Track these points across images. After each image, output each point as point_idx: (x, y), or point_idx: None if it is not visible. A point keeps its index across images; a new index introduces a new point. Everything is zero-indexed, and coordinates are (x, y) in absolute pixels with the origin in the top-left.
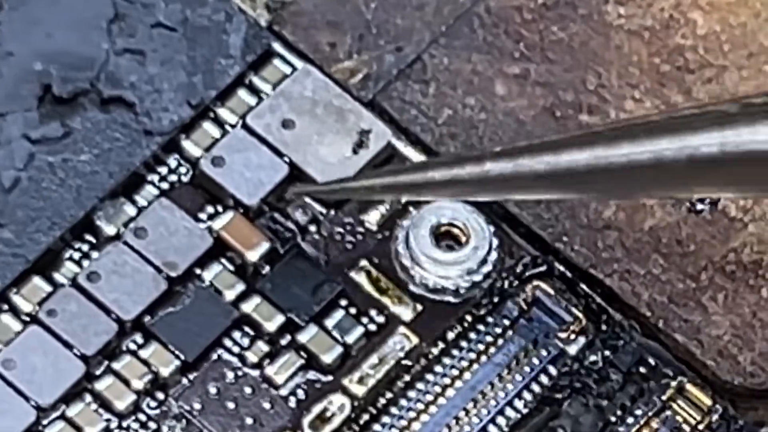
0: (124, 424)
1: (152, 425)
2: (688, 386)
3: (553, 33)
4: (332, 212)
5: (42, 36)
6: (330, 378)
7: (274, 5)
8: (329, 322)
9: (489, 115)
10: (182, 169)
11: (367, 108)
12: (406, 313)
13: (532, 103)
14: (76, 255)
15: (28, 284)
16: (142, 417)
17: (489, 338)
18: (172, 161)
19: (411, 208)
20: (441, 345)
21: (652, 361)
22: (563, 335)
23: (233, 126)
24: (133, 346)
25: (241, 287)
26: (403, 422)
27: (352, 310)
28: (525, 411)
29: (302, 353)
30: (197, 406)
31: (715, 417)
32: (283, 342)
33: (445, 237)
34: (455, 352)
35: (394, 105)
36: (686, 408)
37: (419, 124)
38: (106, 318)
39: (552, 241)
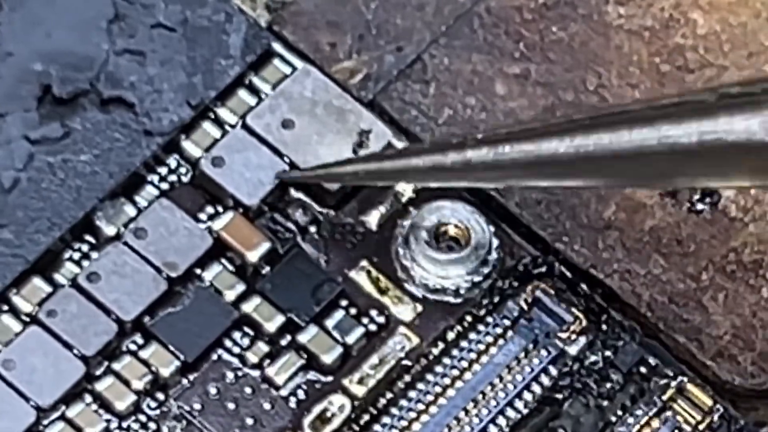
0: (124, 424)
1: (152, 426)
2: (689, 386)
3: (554, 33)
4: (332, 212)
5: (42, 36)
6: (330, 378)
7: (274, 5)
8: (329, 323)
9: (489, 115)
10: (182, 170)
11: (367, 108)
12: (406, 313)
13: (532, 103)
14: (76, 255)
15: (28, 285)
16: (142, 417)
17: (489, 338)
18: (172, 161)
19: (411, 209)
20: (441, 345)
21: (652, 361)
22: (564, 335)
23: (233, 126)
24: (133, 347)
25: (241, 287)
26: (404, 422)
27: (353, 311)
28: (525, 411)
29: (302, 353)
30: (197, 406)
31: (715, 417)
32: (284, 342)
33: (445, 237)
34: (455, 352)
35: (394, 105)
36: (687, 408)
37: (419, 124)
38: (106, 318)
39: (552, 242)
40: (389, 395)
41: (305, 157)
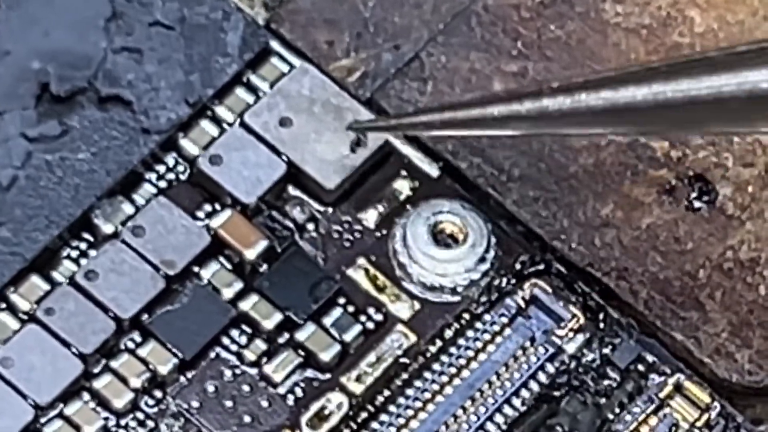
0: (122, 422)
1: (150, 423)
2: (686, 384)
3: (551, 31)
4: (330, 210)
5: (39, 35)
6: (328, 376)
7: (271, 3)
8: (327, 320)
9: None
10: (180, 168)
11: (365, 106)
12: (403, 311)
13: None
14: (74, 253)
15: (26, 283)
16: (140, 415)
17: (487, 336)
18: (170, 159)
19: (409, 207)
20: (439, 343)
21: (649, 358)
22: (561, 333)
23: (231, 124)
24: (131, 345)
25: (239, 285)
26: (402, 420)
27: (350, 308)
28: (523, 409)
29: (300, 351)
30: (195, 404)
31: (712, 414)
32: (281, 340)
33: (443, 235)
34: (453, 350)
35: (392, 103)
36: (684, 405)
37: None
38: (104, 316)
39: (550, 239)
40: (387, 393)
41: (303, 155)
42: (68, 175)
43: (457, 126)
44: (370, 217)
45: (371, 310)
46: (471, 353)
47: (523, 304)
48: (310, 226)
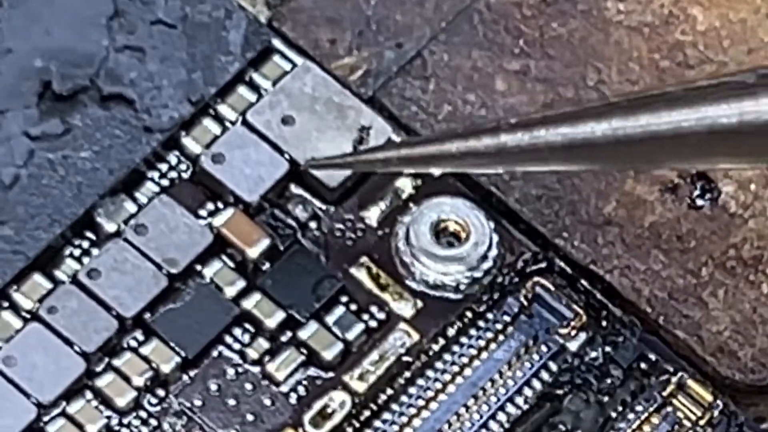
0: (125, 420)
1: (153, 422)
2: (689, 382)
3: (553, 29)
4: (332, 209)
5: (42, 33)
6: (331, 374)
7: (273, 2)
8: (330, 319)
9: (489, 111)
10: (182, 166)
11: (367, 104)
12: (406, 309)
13: (532, 99)
14: (77, 252)
15: (29, 281)
16: (143, 414)
17: (489, 334)
18: (173, 158)
19: (411, 205)
20: (441, 341)
21: (652, 356)
22: (564, 331)
23: (233, 123)
24: (133, 343)
25: (241, 284)
26: (404, 419)
27: (353, 307)
28: (525, 407)
29: (303, 350)
30: (198, 402)
31: (715, 413)
32: (284, 338)
33: (446, 233)
34: (456, 348)
35: (394, 101)
36: (687, 404)
37: (419, 120)
38: (107, 315)
39: (552, 237)
40: (390, 391)
41: (305, 153)
42: (71, 174)
43: (415, 163)
44: (373, 215)
45: (374, 309)
46: (473, 351)
47: (525, 303)
48: (313, 225)
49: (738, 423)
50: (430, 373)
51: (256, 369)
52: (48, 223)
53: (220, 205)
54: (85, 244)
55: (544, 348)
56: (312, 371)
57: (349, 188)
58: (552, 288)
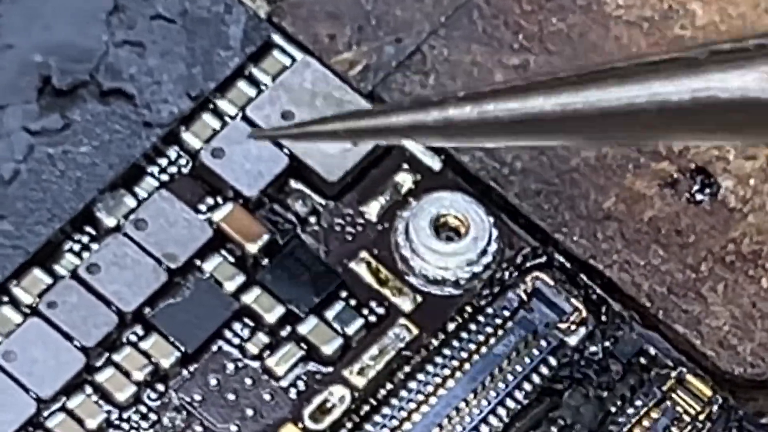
0: (125, 415)
1: (153, 417)
2: (688, 377)
3: (552, 24)
4: (332, 203)
5: (41, 28)
6: (330, 369)
7: None
8: (329, 314)
9: None
10: (182, 161)
11: (367, 99)
12: (406, 304)
13: None
14: (76, 247)
15: (28, 276)
16: (143, 408)
17: (489, 329)
18: (172, 153)
19: (411, 200)
20: (441, 336)
21: (652, 351)
22: (563, 326)
23: (233, 117)
24: (133, 338)
25: (241, 279)
26: (404, 413)
27: (352, 302)
28: (525, 402)
29: (302, 345)
30: (198, 397)
31: (715, 407)
32: (284, 333)
33: (445, 228)
34: (455, 343)
35: (393, 96)
36: (686, 398)
37: None
38: (107, 310)
39: (552, 232)
40: (389, 386)
41: (305, 148)
42: (70, 169)
43: (362, 135)
44: (373, 210)
45: (373, 304)
46: (473, 346)
47: (525, 297)
48: (312, 220)
49: (737, 418)
50: (429, 367)
51: (255, 364)
52: (48, 218)
53: (219, 200)
54: (85, 239)
55: (543, 343)
56: (312, 366)
57: (349, 183)
58: (551, 283)
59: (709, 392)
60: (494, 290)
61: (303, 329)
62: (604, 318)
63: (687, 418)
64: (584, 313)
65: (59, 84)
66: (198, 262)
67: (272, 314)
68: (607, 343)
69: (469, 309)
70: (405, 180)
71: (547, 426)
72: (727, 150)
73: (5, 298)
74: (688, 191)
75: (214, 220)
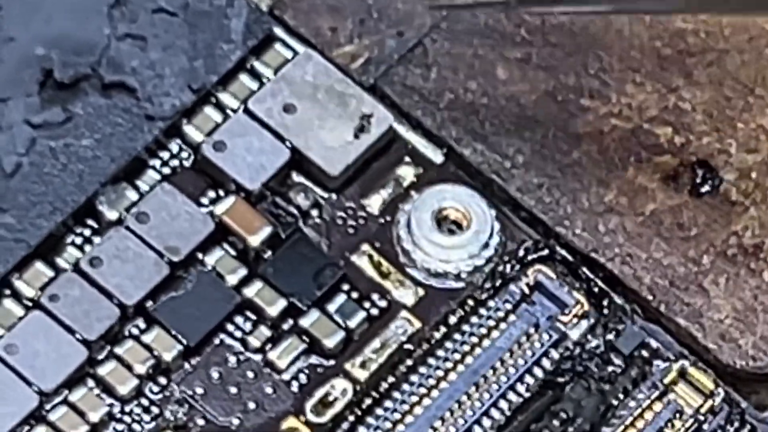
0: (127, 408)
1: (155, 410)
2: (690, 370)
3: (554, 17)
4: (334, 196)
5: (43, 21)
6: (332, 362)
7: None
8: (331, 307)
9: (490, 99)
10: (184, 154)
11: (369, 92)
12: (408, 297)
13: (533, 87)
14: (78, 240)
15: (30, 269)
16: (145, 401)
17: (491, 322)
18: (174, 146)
19: (413, 192)
20: (443, 329)
21: (654, 344)
22: (565, 319)
23: (235, 111)
24: (135, 331)
25: (243, 272)
26: (405, 406)
27: (354, 295)
28: (527, 395)
29: (304, 338)
30: (199, 390)
31: (716, 400)
32: (286, 326)
33: (447, 221)
34: (457, 336)
35: (395, 89)
36: (688, 391)
37: (421, 108)
38: (109, 303)
39: (554, 225)
40: (391, 379)
41: (307, 141)
42: (72, 162)
43: None
44: (374, 203)
45: (375, 297)
46: (475, 339)
47: (527, 290)
48: (314, 213)
49: (739, 411)
50: (431, 360)
51: (257, 357)
52: (50, 211)
53: (221, 193)
54: (87, 232)
55: (545, 336)
56: (313, 359)
57: (351, 176)
58: (553, 276)
59: (711, 385)
60: (496, 283)
61: (305, 322)
62: (605, 311)
63: (689, 411)
64: (586, 306)
65: (61, 77)
66: (200, 255)
67: (274, 307)
68: (609, 336)
69: (470, 302)
70: (407, 173)
71: (549, 419)
72: (729, 143)
73: (7, 291)
74: (689, 184)
75: (216, 213)
